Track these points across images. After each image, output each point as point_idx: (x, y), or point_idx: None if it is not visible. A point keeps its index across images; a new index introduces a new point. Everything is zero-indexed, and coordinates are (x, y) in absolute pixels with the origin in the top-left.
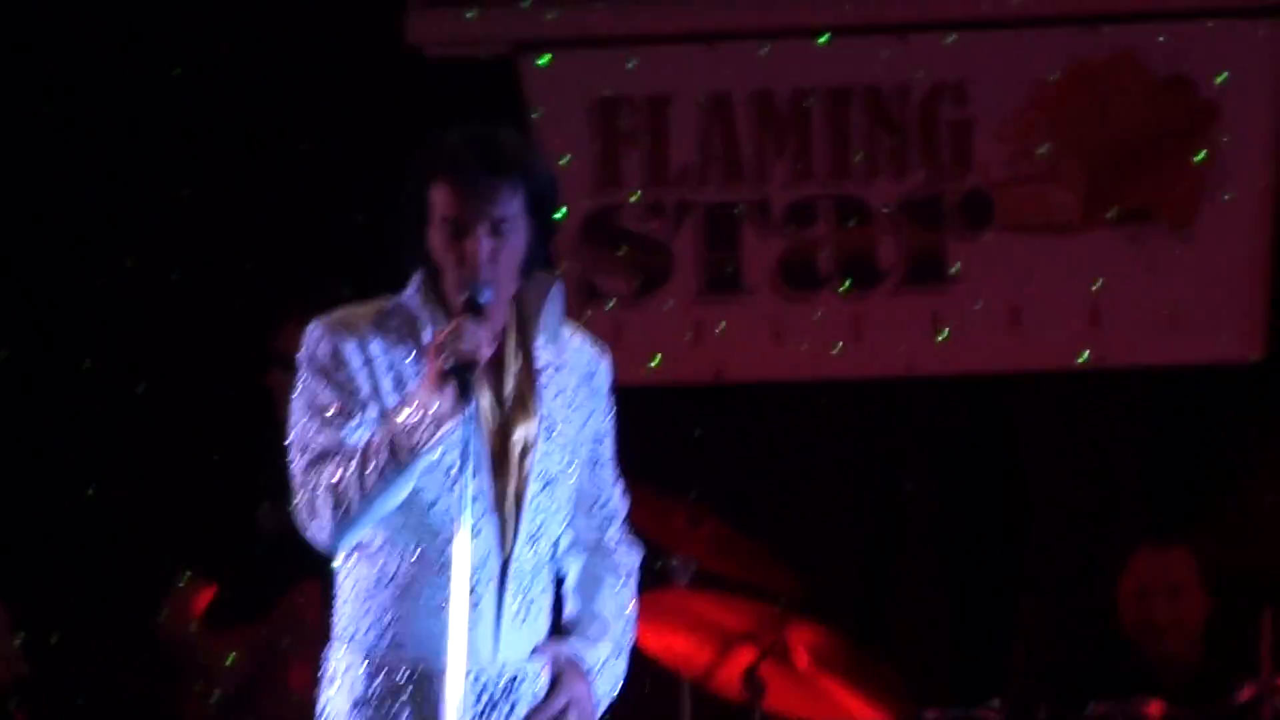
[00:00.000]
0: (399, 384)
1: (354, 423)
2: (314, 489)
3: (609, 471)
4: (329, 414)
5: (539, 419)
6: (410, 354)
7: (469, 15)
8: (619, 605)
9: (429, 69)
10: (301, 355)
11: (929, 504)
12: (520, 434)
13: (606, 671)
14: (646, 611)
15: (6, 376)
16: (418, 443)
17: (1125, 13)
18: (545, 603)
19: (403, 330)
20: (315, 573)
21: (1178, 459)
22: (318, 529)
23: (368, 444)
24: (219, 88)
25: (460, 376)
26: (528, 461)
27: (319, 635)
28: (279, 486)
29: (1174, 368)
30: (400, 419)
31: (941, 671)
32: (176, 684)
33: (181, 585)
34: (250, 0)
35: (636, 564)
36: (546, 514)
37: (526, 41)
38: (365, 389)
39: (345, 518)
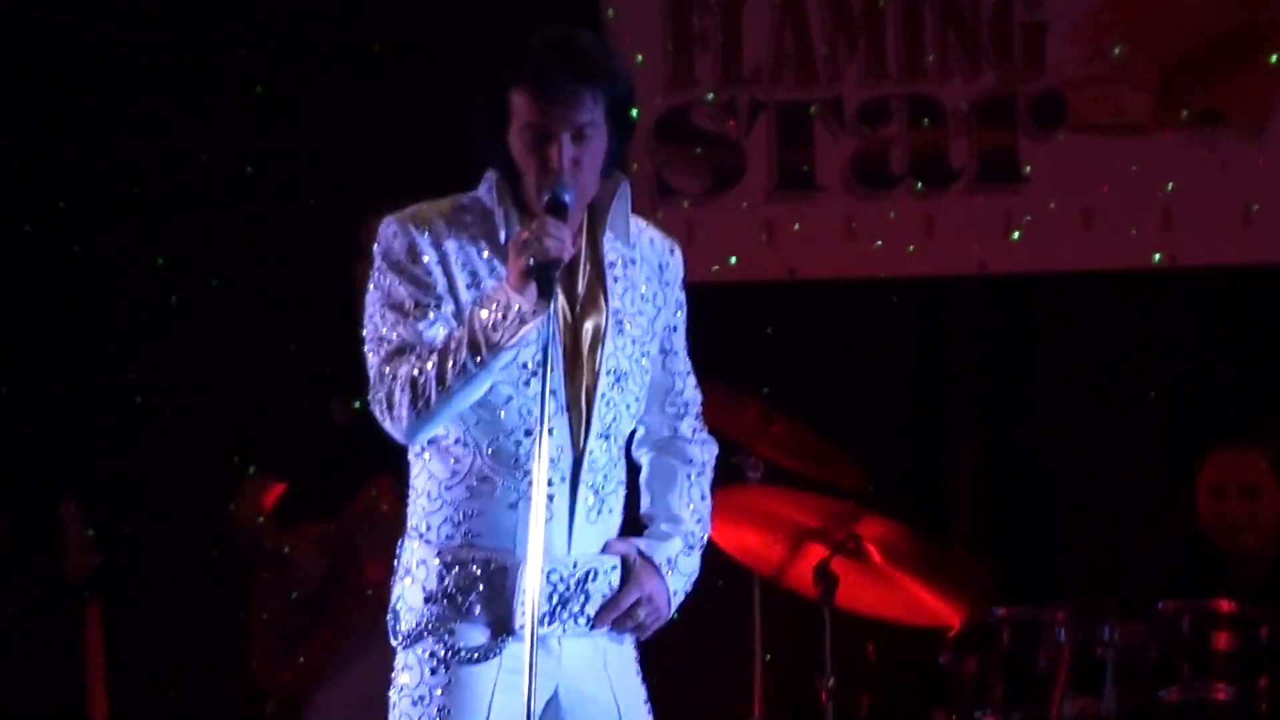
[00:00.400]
0: (474, 279)
1: (431, 316)
2: (392, 382)
3: (682, 364)
4: (406, 307)
5: (609, 314)
6: (485, 250)
7: None
8: (694, 500)
9: None
10: (376, 250)
11: (999, 402)
12: (590, 329)
13: (680, 567)
14: (719, 508)
15: (79, 268)
16: (499, 340)
17: None
18: (619, 498)
19: (478, 227)
20: (389, 467)
21: (1249, 359)
22: (395, 421)
23: (448, 339)
24: None
25: (543, 275)
26: (598, 357)
27: (394, 529)
28: (352, 380)
29: (1246, 267)
30: (482, 315)
31: (1013, 569)
32: (250, 577)
33: (250, 480)
34: None
35: (712, 458)
36: (618, 410)
37: None
38: (441, 283)
39: (424, 411)
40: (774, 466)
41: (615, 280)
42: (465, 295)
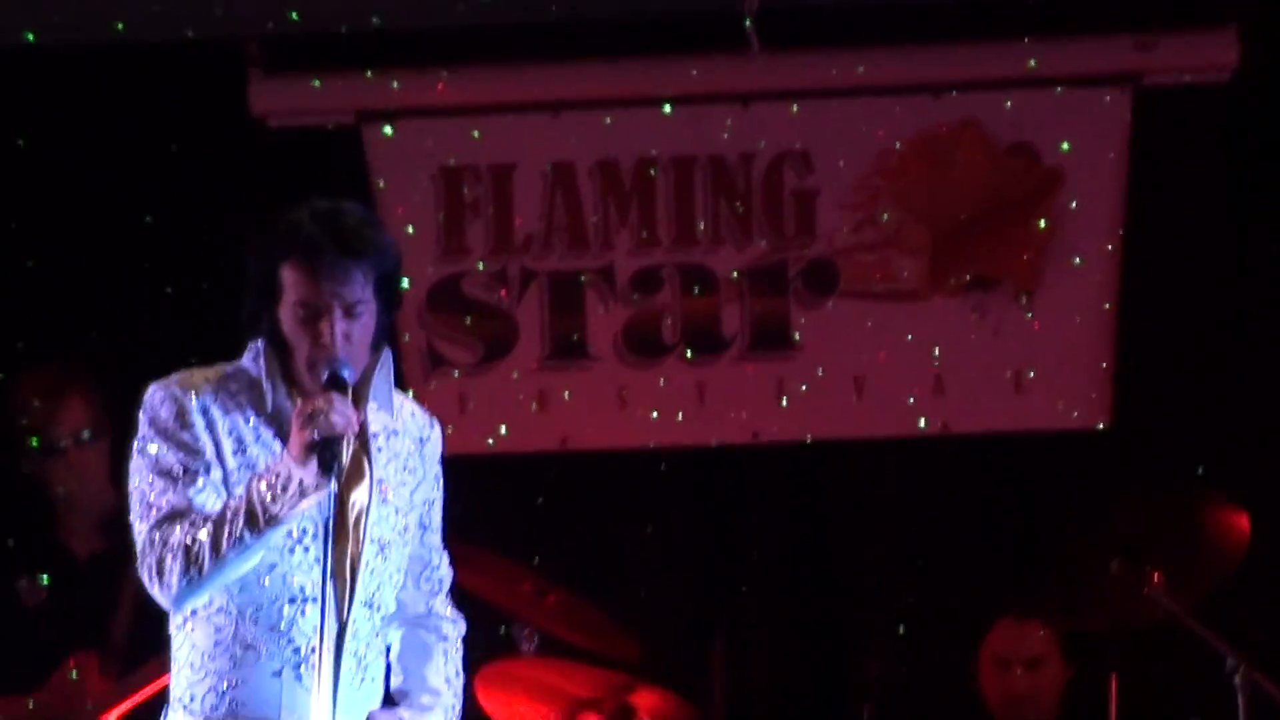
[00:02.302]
0: (240, 446)
1: (200, 483)
2: (163, 548)
3: (438, 539)
4: (175, 473)
5: (373, 484)
6: (252, 418)
7: (313, 84)
8: (449, 675)
9: (273, 139)
10: (142, 416)
11: (774, 572)
12: (356, 499)
13: None
14: (493, 679)
15: None
16: (278, 512)
17: (969, 81)
18: (380, 667)
19: (244, 395)
20: (89, 643)
21: (1026, 525)
22: (165, 588)
23: (224, 509)
24: (61, 158)
25: (326, 450)
26: (362, 526)
27: (100, 703)
28: (35, 559)
29: (1020, 434)
30: (261, 487)
31: None
32: None
33: None
34: (93, 70)
35: (461, 635)
36: (381, 578)
37: (371, 111)
38: (209, 449)
39: (195, 579)
40: (548, 638)
41: (379, 450)
42: (231, 462)
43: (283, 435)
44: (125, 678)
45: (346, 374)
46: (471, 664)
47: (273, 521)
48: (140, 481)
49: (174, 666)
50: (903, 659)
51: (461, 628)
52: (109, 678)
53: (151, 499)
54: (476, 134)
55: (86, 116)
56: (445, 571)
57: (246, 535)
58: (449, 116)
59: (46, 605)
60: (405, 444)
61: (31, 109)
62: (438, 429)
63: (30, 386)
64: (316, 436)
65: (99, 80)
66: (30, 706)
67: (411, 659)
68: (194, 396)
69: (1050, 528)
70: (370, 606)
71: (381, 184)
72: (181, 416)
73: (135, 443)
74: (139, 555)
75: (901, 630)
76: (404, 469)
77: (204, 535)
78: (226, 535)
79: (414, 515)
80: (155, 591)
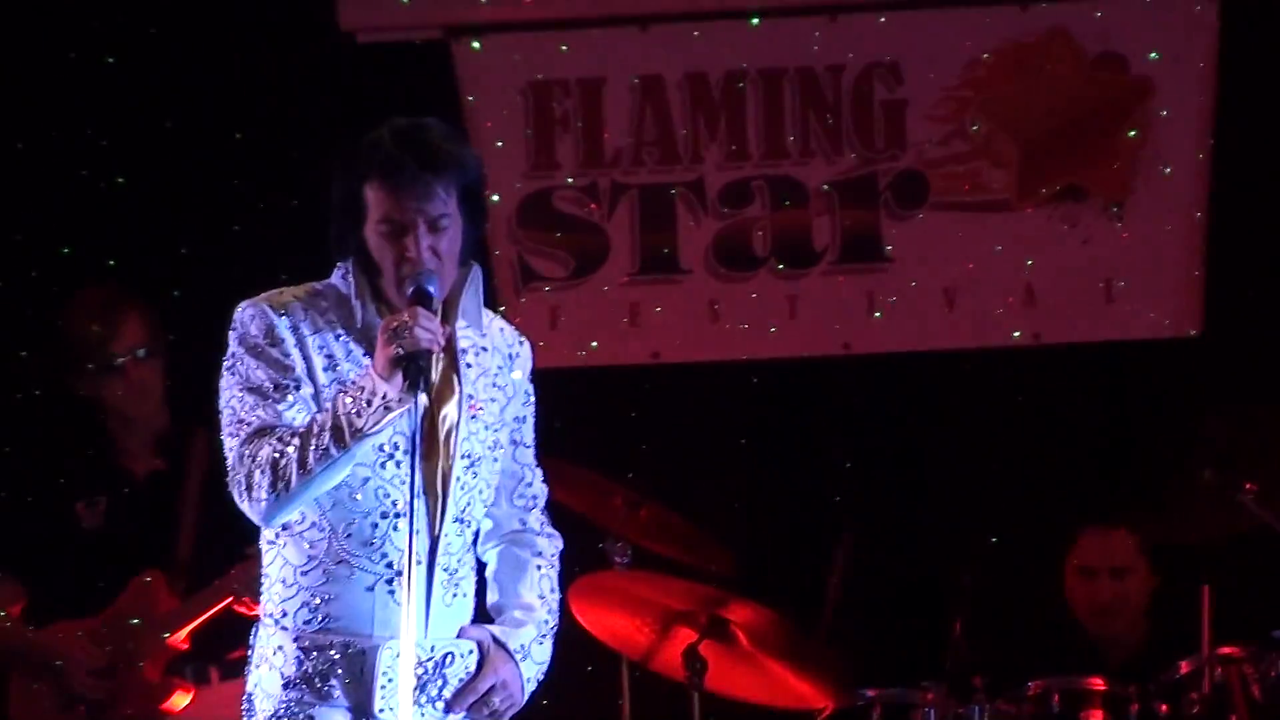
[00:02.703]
0: (331, 362)
1: (290, 399)
2: (251, 463)
3: (530, 455)
4: (265, 390)
5: (463, 400)
6: (342, 335)
7: (402, 0)
8: (544, 591)
9: (362, 55)
10: (232, 334)
11: (867, 482)
12: (446, 415)
13: (534, 655)
14: (586, 593)
15: None
16: (363, 426)
17: None
18: (471, 584)
19: (334, 312)
20: (153, 563)
21: (1116, 435)
22: (254, 503)
23: (310, 423)
24: (152, 76)
25: (412, 364)
26: (453, 442)
27: (168, 622)
28: (94, 481)
29: (1111, 344)
30: (347, 401)
31: (882, 651)
32: (4, 684)
33: None
34: None
35: (559, 552)
36: (472, 494)
37: (460, 26)
38: (299, 366)
39: (284, 494)
40: (641, 551)
41: (468, 366)
42: (323, 378)
43: (373, 351)
44: (192, 595)
45: (432, 288)
46: (565, 577)
47: (358, 436)
48: (230, 398)
49: (265, 582)
50: (994, 570)
51: (558, 544)
52: (175, 596)
53: (242, 415)
54: (565, 48)
55: (176, 33)
56: (539, 488)
57: (333, 449)
58: (537, 31)
59: (107, 527)
60: (494, 360)
61: (121, 25)
62: (527, 346)
63: (87, 305)
64: (401, 351)
65: None
66: (99, 628)
67: (505, 575)
68: (284, 313)
69: (1141, 437)
70: (461, 522)
71: (471, 99)
72: (271, 333)
73: (225, 360)
74: (230, 471)
75: (994, 541)
76: (493, 385)
77: (292, 450)
78: (314, 449)
79: (505, 432)
80: (246, 506)
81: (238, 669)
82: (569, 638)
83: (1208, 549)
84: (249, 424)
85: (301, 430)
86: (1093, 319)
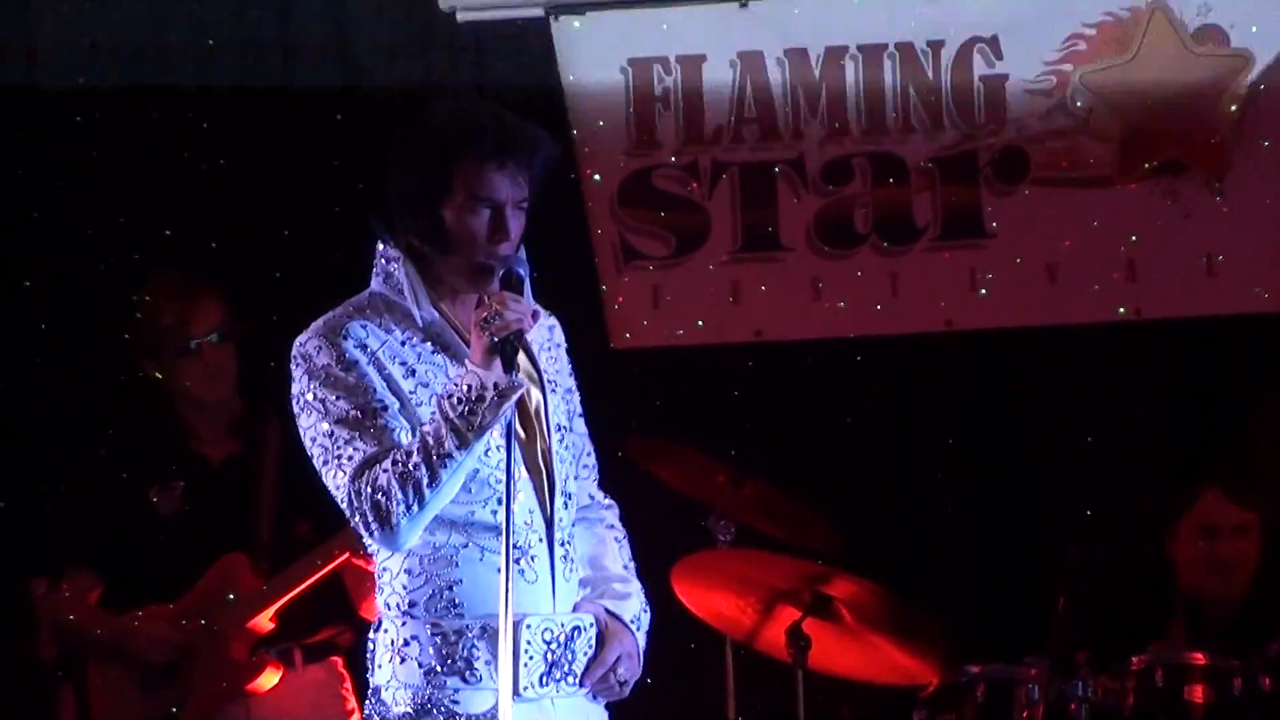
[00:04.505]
0: (408, 369)
1: (384, 420)
2: (374, 494)
3: (584, 425)
4: (356, 419)
5: (542, 378)
6: (408, 339)
7: None
8: (626, 560)
9: (460, 31)
10: (299, 371)
11: (970, 458)
12: (532, 393)
13: (643, 625)
14: (690, 571)
15: None
16: (483, 420)
17: None
18: (579, 559)
19: (390, 317)
20: (234, 546)
21: (1215, 410)
22: (389, 530)
23: (423, 435)
24: (249, 57)
25: (507, 348)
26: (544, 418)
27: (253, 604)
28: (169, 467)
29: (1214, 319)
30: (455, 401)
31: (985, 626)
32: (83, 674)
33: (70, 571)
34: None
35: (619, 515)
36: (567, 468)
37: (559, 4)
38: (379, 385)
39: (417, 512)
40: (745, 529)
41: (536, 344)
42: (406, 385)
43: (443, 346)
44: (275, 577)
45: (522, 270)
46: (669, 556)
47: (478, 431)
48: (318, 435)
49: (384, 577)
50: (1097, 546)
51: (617, 511)
52: (258, 578)
53: (340, 450)
54: (665, 26)
55: (268, 11)
56: (594, 458)
57: (456, 452)
58: (638, 7)
59: (185, 512)
60: (542, 335)
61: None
62: (556, 320)
63: (163, 288)
64: (495, 339)
65: None
66: (184, 610)
67: (590, 550)
68: (346, 336)
69: (1244, 411)
70: (566, 495)
71: (571, 77)
72: (342, 360)
73: (297, 399)
74: (346, 510)
75: (1089, 514)
76: (551, 360)
77: (414, 466)
78: (436, 458)
79: (566, 404)
80: (378, 538)
81: (321, 652)
82: (672, 617)
83: None
84: (352, 458)
85: (417, 445)
86: (1194, 294)
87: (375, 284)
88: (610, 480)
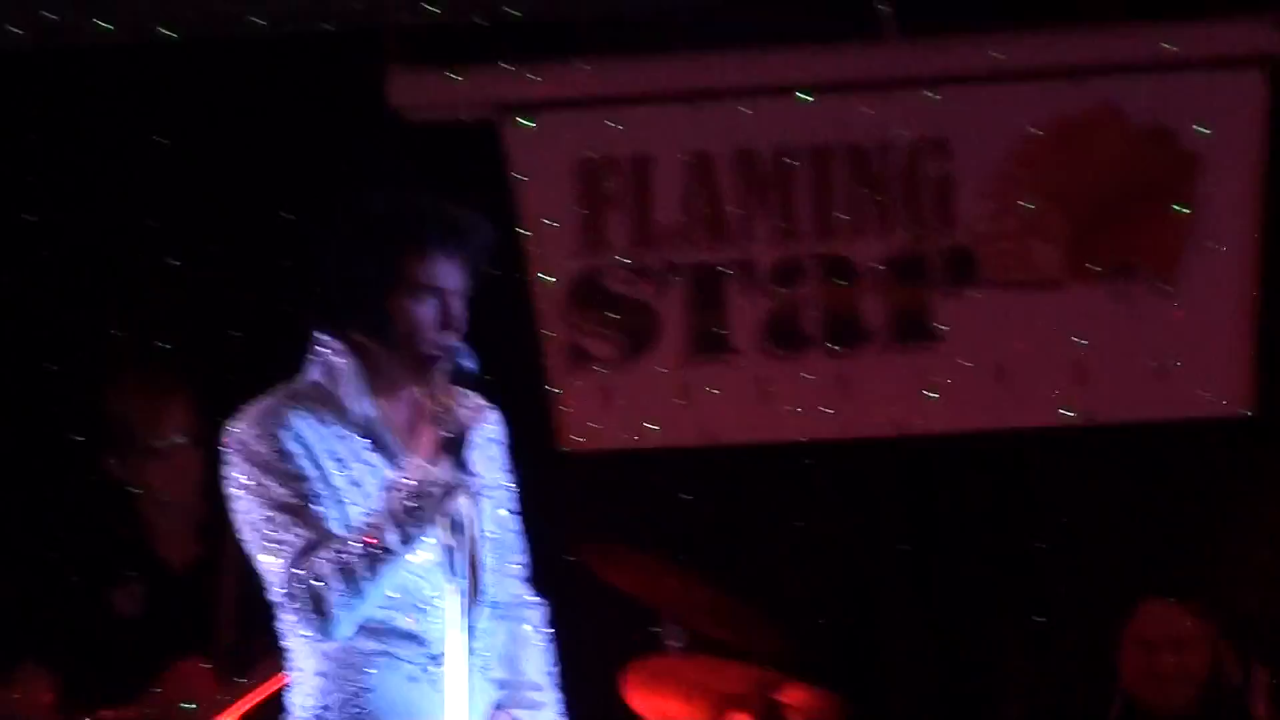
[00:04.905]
0: (341, 465)
1: (322, 508)
2: (312, 581)
3: (515, 522)
4: (294, 505)
5: (472, 478)
6: (343, 432)
7: (452, 77)
8: (548, 665)
9: (410, 132)
10: (234, 456)
11: (921, 563)
12: (465, 501)
13: None
14: (641, 677)
15: None
16: (428, 515)
17: (1106, 65)
18: (490, 662)
19: (325, 409)
20: (195, 650)
21: (1171, 515)
22: (325, 620)
23: (366, 526)
24: (200, 157)
25: (457, 446)
26: (475, 523)
27: (211, 709)
28: (128, 568)
29: (1164, 423)
30: (400, 495)
31: None
32: None
33: (24, 671)
34: (229, 63)
35: (545, 616)
36: (489, 570)
37: (509, 103)
38: (314, 474)
39: (356, 603)
40: (695, 634)
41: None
42: (339, 480)
43: (379, 445)
44: (235, 681)
45: (470, 363)
46: (619, 661)
47: (423, 523)
48: (255, 520)
49: (298, 676)
50: (1047, 651)
51: (544, 611)
52: (217, 684)
53: (279, 535)
54: (615, 126)
55: (223, 110)
56: (523, 555)
57: (397, 547)
58: (588, 108)
59: (144, 614)
60: (478, 434)
61: (168, 103)
62: (495, 413)
63: (132, 387)
64: (448, 434)
65: (235, 74)
66: (141, 715)
67: (510, 651)
68: (283, 426)
69: (1196, 516)
70: (483, 602)
71: (521, 177)
72: (279, 449)
73: (233, 485)
74: (282, 597)
75: (1042, 620)
76: (488, 456)
77: (352, 556)
78: (377, 551)
79: (494, 502)
80: (311, 626)
81: None
82: None
83: (1260, 626)
84: (290, 544)
85: (357, 535)
86: (1145, 398)
87: (312, 373)
88: (559, 584)
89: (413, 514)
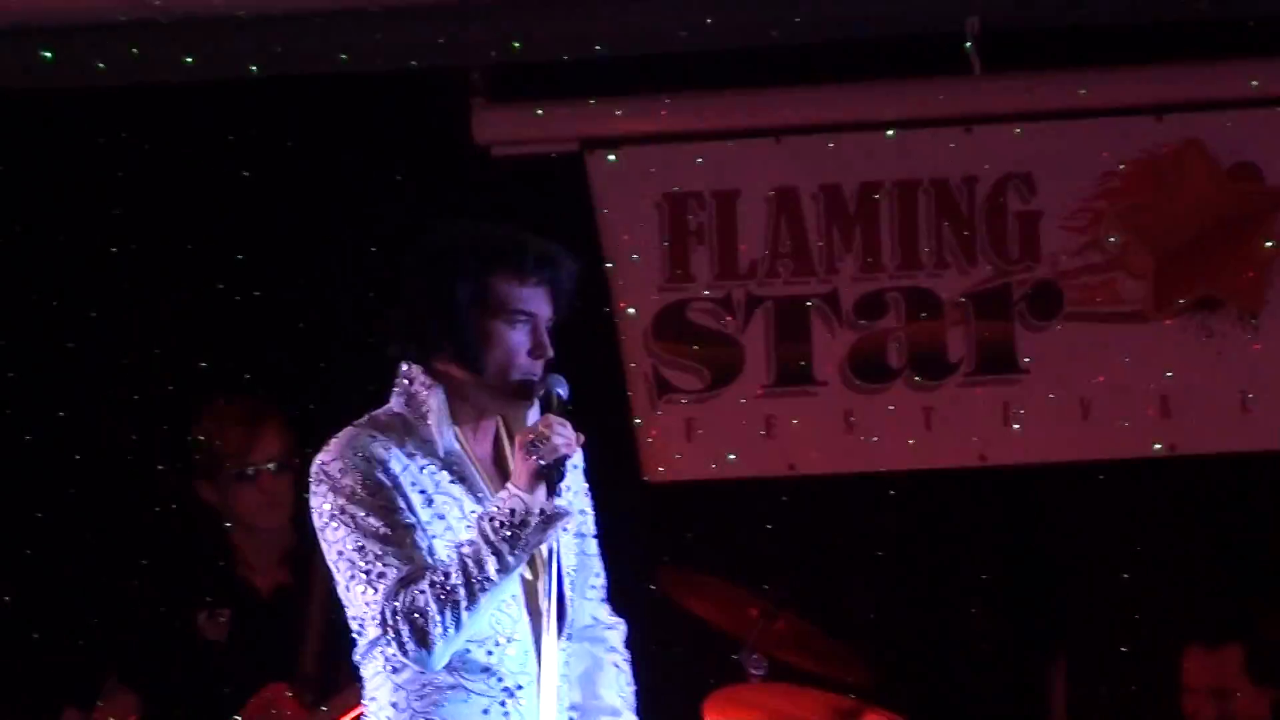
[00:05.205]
0: (426, 498)
1: (413, 539)
2: (411, 613)
3: (596, 546)
4: (388, 536)
5: (568, 506)
6: (426, 465)
7: (536, 113)
8: (624, 690)
9: (497, 168)
10: (324, 489)
11: (1003, 594)
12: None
13: None
14: (722, 705)
15: None
16: (526, 543)
17: (1191, 101)
18: (567, 695)
19: (409, 441)
20: (278, 676)
21: (1249, 548)
22: (426, 649)
23: (464, 555)
24: (288, 191)
25: (553, 474)
26: (555, 557)
27: None
28: (219, 592)
29: (1244, 455)
30: (495, 524)
31: None
32: None
33: (110, 694)
34: (317, 101)
35: (624, 637)
36: (576, 609)
37: (594, 138)
38: (402, 506)
39: (455, 631)
40: (776, 663)
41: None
42: (422, 515)
43: (460, 478)
44: (319, 709)
45: (563, 391)
46: (700, 689)
47: (520, 557)
48: (347, 551)
49: (372, 706)
50: (1129, 683)
51: (624, 630)
52: (303, 711)
53: (371, 566)
54: (700, 160)
55: (310, 148)
56: (603, 578)
57: (496, 575)
58: (672, 143)
59: (231, 639)
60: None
61: (256, 140)
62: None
63: (228, 412)
64: (543, 463)
65: (323, 111)
66: None
67: (586, 676)
68: (370, 458)
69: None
70: (563, 635)
71: (606, 211)
72: (369, 480)
73: (323, 516)
74: (377, 627)
75: (1124, 650)
76: (567, 488)
77: (453, 588)
78: (476, 581)
79: (577, 527)
80: (411, 658)
81: None
82: None
83: None
84: (384, 574)
85: (453, 568)
86: (1228, 430)
87: (395, 404)
88: (642, 612)
89: (512, 542)
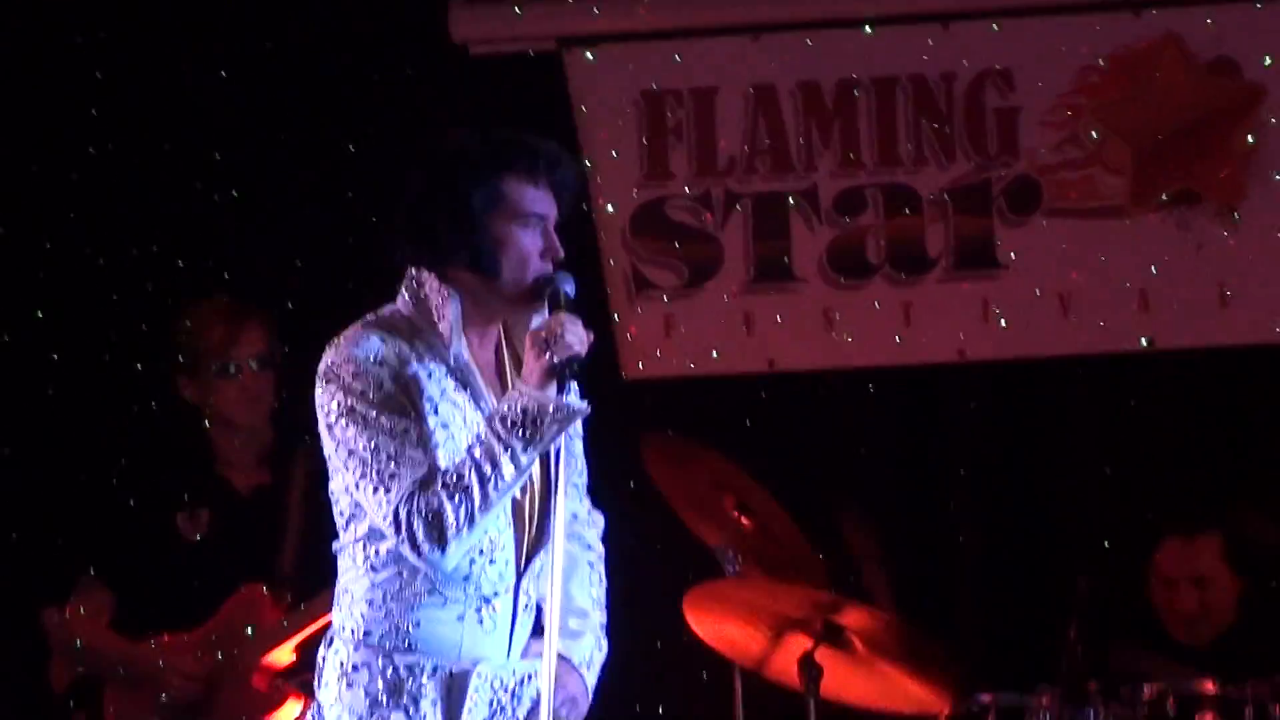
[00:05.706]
0: (433, 406)
1: (429, 439)
2: (426, 514)
3: (579, 444)
4: (403, 433)
5: (582, 402)
6: (433, 371)
7: (514, 11)
8: (596, 587)
9: (473, 66)
10: (334, 386)
11: (983, 488)
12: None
13: (594, 664)
14: (700, 601)
15: None
16: (544, 440)
17: None
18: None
19: (418, 344)
20: (256, 577)
21: (1233, 441)
22: (441, 547)
23: (476, 456)
24: (265, 90)
25: (565, 372)
26: (550, 474)
27: (272, 636)
28: (195, 493)
29: (1225, 349)
30: (508, 423)
31: (997, 654)
32: (97, 691)
33: (84, 588)
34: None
35: (601, 532)
36: (558, 522)
37: (572, 36)
38: (415, 408)
39: (468, 531)
40: (754, 557)
41: None
42: (430, 421)
43: (463, 384)
44: (296, 610)
45: (569, 288)
46: (678, 586)
47: (533, 456)
48: (359, 449)
49: (345, 599)
50: (1109, 575)
51: (600, 524)
52: (279, 610)
53: (384, 467)
54: (678, 58)
55: (287, 47)
56: (585, 476)
57: (510, 476)
58: (650, 40)
59: (209, 539)
60: None
61: (233, 39)
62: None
63: (211, 310)
64: (556, 360)
65: (299, 10)
66: (204, 639)
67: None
68: (382, 362)
69: (1253, 441)
70: (541, 545)
71: (584, 109)
72: (380, 380)
73: (331, 412)
74: (388, 527)
75: (1106, 545)
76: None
77: (467, 489)
78: (491, 482)
79: None
80: (424, 557)
81: None
82: (681, 646)
83: None
84: (397, 476)
85: (466, 468)
86: (1208, 325)
87: (403, 305)
88: (622, 509)
89: (527, 440)
